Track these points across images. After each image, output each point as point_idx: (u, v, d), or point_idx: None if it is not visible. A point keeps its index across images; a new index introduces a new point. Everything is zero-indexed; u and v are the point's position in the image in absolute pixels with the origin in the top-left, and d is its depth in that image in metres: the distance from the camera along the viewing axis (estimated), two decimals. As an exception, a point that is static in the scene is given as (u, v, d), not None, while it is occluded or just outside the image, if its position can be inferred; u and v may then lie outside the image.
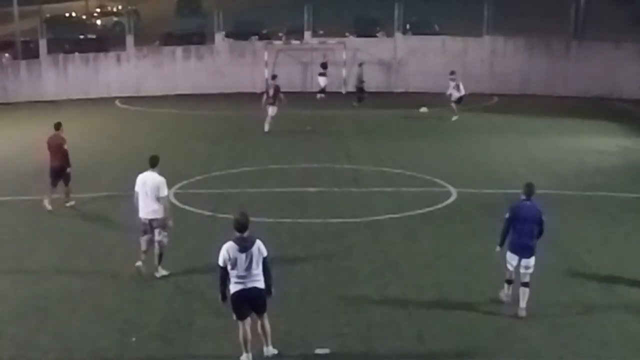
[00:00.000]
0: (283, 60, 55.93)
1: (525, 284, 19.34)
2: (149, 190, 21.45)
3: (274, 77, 44.07)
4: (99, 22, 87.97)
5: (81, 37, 63.70)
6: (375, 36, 59.14)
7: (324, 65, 52.31)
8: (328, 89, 52.88)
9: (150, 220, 21.66)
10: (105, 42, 60.48)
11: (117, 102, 51.64)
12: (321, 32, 57.68)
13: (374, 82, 53.65)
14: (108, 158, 35.68)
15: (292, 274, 21.98)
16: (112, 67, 55.31)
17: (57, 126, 29.24)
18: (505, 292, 20.06)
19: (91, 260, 22.96)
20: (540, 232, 19.36)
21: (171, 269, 22.12)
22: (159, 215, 21.61)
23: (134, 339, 18.11)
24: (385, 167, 33.78)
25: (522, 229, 19.28)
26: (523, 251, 19.35)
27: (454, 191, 30.22)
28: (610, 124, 45.26)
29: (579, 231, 25.96)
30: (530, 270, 19.32)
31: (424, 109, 47.24)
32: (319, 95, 51.25)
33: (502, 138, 40.22)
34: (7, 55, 56.13)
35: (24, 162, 35.12)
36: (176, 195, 29.24)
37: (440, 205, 28.68)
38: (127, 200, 26.25)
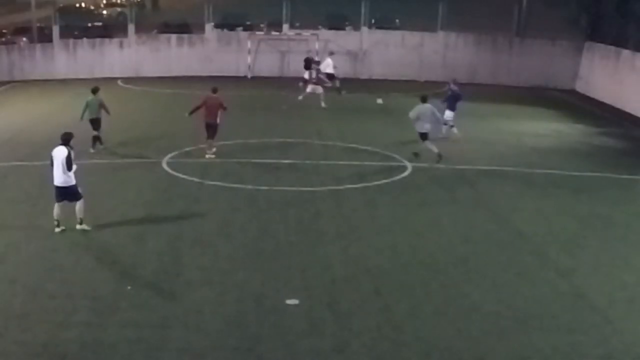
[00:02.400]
0: (264, 49, 55.89)
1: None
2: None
3: (317, 62, 46.59)
4: (105, 12, 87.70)
5: (89, 24, 63.36)
6: (344, 29, 59.05)
7: (311, 61, 51.78)
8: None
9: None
10: (110, 29, 60.07)
11: (119, 81, 51.22)
12: (297, 24, 57.56)
13: (342, 69, 53.62)
14: (109, 130, 35.41)
15: (267, 235, 22.02)
16: (115, 51, 54.86)
17: (215, 90, 31.24)
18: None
19: (93, 218, 22.80)
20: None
21: (163, 227, 22.18)
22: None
23: (129, 288, 18.07)
24: (350, 144, 33.69)
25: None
26: None
27: (409, 166, 30.17)
28: (546, 110, 45.41)
29: (517, 203, 26.00)
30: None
31: (379, 101, 46.76)
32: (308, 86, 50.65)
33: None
34: (24, 39, 55.81)
35: (36, 131, 34.87)
36: (169, 163, 29.15)
37: (396, 178, 28.65)
38: (123, 165, 26.31)
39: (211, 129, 30.56)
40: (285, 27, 55.95)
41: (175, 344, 15.46)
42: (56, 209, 21.81)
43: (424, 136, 30.53)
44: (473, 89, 51.40)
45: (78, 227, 21.87)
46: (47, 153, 29.75)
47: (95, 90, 31.91)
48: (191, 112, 30.89)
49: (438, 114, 31.45)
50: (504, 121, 41.09)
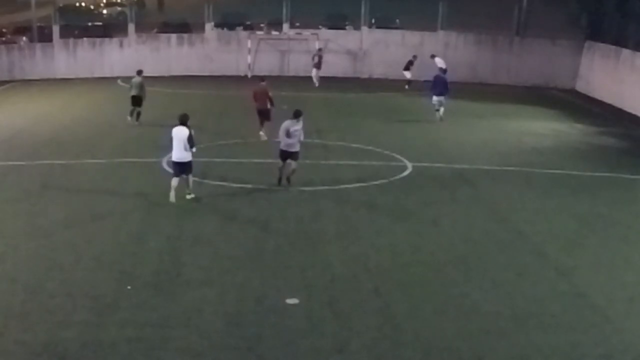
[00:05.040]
0: (264, 48, 55.89)
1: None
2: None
3: (320, 49, 52.46)
4: (105, 11, 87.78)
5: (89, 24, 63.35)
6: (344, 29, 59.10)
7: (411, 62, 51.55)
8: (304, 74, 53.37)
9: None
10: (110, 29, 60.05)
11: (118, 81, 51.07)
12: (297, 24, 57.56)
13: (341, 68, 53.70)
14: (110, 129, 35.48)
15: (267, 235, 22.02)
16: (115, 50, 54.84)
17: (263, 79, 35.78)
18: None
19: (93, 217, 22.88)
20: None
21: (163, 227, 22.22)
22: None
23: (129, 287, 18.07)
24: (350, 143, 33.70)
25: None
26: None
27: (409, 165, 30.19)
28: (547, 110, 45.39)
29: (517, 202, 26.00)
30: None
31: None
32: (406, 86, 50.78)
33: (452, 120, 40.02)
34: (24, 38, 55.85)
35: (36, 131, 34.93)
36: (168, 163, 29.10)
37: (397, 177, 28.65)
38: (123, 164, 26.31)
39: (263, 115, 33.87)
40: (285, 26, 55.95)
41: (175, 343, 15.47)
42: (174, 181, 24.47)
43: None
44: (473, 88, 51.55)
45: (188, 197, 24.59)
46: (47, 152, 30.31)
47: (139, 72, 37.51)
48: (267, 107, 34.02)
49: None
50: (504, 121, 41.07)
